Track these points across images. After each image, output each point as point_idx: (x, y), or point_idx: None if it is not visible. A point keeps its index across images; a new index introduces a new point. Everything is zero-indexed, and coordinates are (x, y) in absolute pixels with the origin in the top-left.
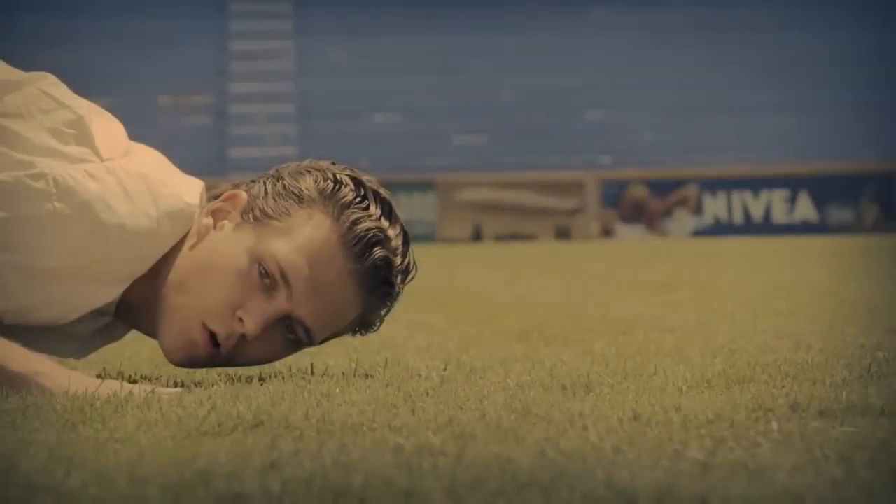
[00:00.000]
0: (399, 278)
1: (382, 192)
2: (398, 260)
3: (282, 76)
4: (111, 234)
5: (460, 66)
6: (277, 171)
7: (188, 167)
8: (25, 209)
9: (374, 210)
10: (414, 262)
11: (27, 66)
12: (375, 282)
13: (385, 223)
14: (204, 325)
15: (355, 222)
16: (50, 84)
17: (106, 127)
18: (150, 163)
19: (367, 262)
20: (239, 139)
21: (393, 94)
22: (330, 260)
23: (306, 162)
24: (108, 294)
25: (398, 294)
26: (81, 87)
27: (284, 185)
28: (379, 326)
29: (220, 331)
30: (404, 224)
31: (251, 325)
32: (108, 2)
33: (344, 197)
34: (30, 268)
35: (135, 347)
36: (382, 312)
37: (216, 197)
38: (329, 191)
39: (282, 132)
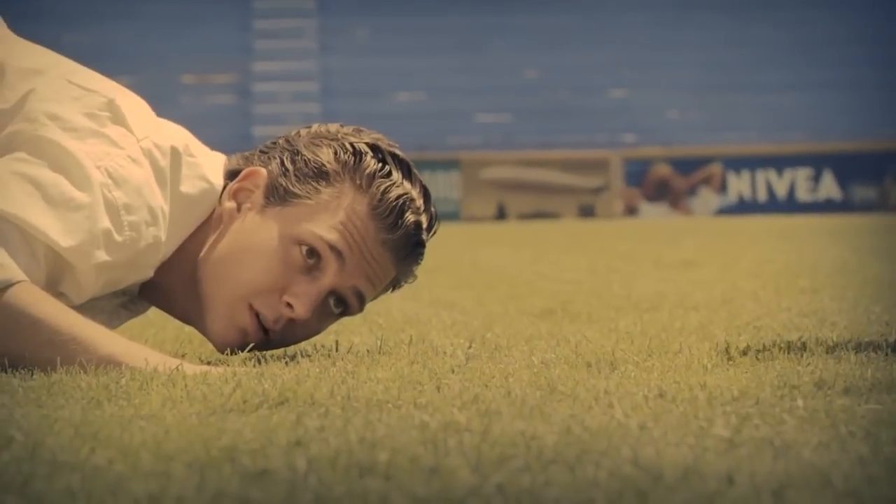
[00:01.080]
0: (426, 235)
1: (398, 151)
2: (424, 219)
3: (305, 54)
4: (159, 218)
5: (483, 45)
6: (289, 142)
7: (212, 146)
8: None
9: (397, 175)
10: (436, 214)
11: (50, 45)
12: (409, 247)
13: (408, 185)
14: (251, 310)
15: (384, 192)
16: (70, 71)
17: (134, 105)
18: (178, 137)
19: (401, 230)
20: (262, 118)
21: (416, 72)
22: (366, 231)
23: (315, 128)
24: (144, 275)
25: (425, 246)
26: (104, 66)
27: (305, 161)
28: (413, 281)
29: (268, 314)
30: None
31: (301, 309)
32: None
33: (367, 167)
34: (101, 262)
35: (159, 325)
36: (415, 269)
37: (232, 175)
38: (352, 164)
39: (305, 111)
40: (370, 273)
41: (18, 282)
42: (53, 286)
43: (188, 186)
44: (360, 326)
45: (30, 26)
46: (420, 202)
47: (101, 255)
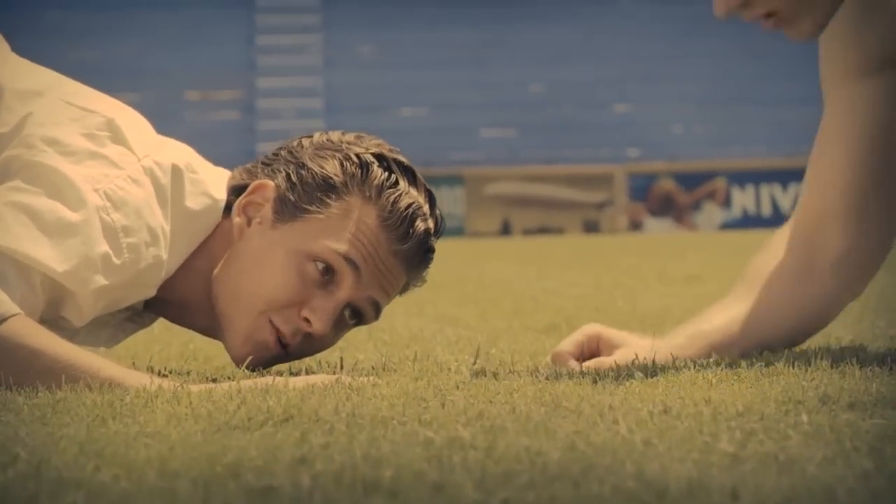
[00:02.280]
0: (433, 239)
1: (402, 158)
2: (432, 223)
3: (310, 71)
4: (159, 238)
5: (487, 60)
6: (293, 154)
7: (216, 162)
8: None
9: (404, 184)
10: (441, 216)
11: (55, 62)
12: (420, 255)
13: (415, 193)
14: (272, 325)
15: (394, 203)
16: (69, 92)
17: (135, 123)
18: (180, 154)
19: (412, 240)
20: (267, 134)
21: (420, 88)
22: (377, 242)
23: (317, 137)
24: (146, 294)
25: (434, 249)
26: (109, 83)
27: (312, 174)
28: (422, 285)
29: (285, 329)
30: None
31: (319, 324)
32: None
33: (375, 178)
34: (100, 287)
35: (164, 341)
36: (424, 273)
37: (236, 190)
38: (360, 175)
39: (310, 127)
40: (384, 283)
41: (13, 315)
42: (54, 311)
43: (191, 203)
44: (365, 343)
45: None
46: (427, 208)
47: (100, 280)
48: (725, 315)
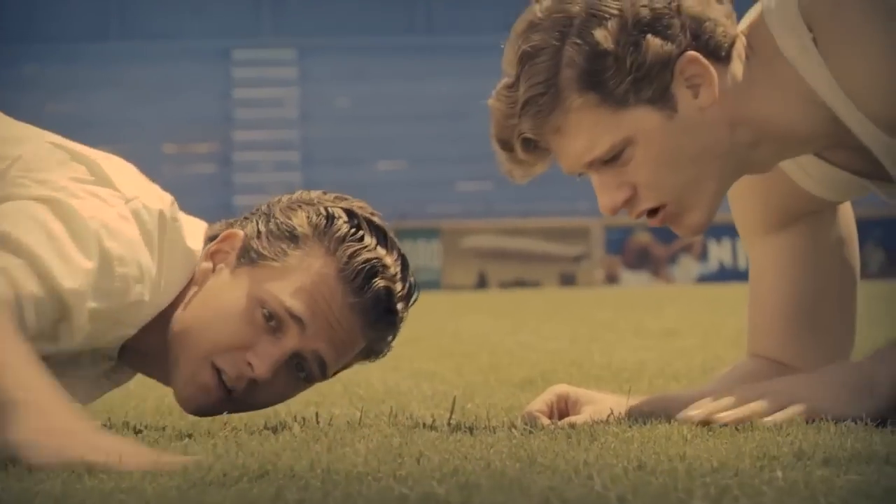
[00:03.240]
0: (401, 304)
1: (376, 219)
2: (398, 286)
3: (286, 124)
4: (146, 278)
5: (464, 113)
6: (269, 206)
7: (193, 215)
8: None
9: (370, 240)
10: (415, 285)
11: (32, 115)
12: (378, 312)
13: (381, 251)
14: (213, 368)
15: (352, 256)
16: (55, 138)
17: (121, 168)
18: (166, 198)
19: (368, 294)
20: (244, 187)
21: (397, 141)
22: (332, 296)
23: (297, 194)
24: (125, 332)
25: (403, 318)
26: (86, 136)
27: (278, 224)
28: (388, 352)
29: (229, 371)
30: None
31: (261, 368)
32: (111, 50)
33: (338, 231)
34: (90, 309)
35: (140, 396)
36: (390, 339)
37: (213, 238)
38: (322, 226)
39: (286, 180)
40: (334, 338)
41: None
42: (49, 326)
43: (173, 252)
44: (341, 398)
45: (12, 97)
46: (395, 270)
47: (90, 302)
48: (693, 389)
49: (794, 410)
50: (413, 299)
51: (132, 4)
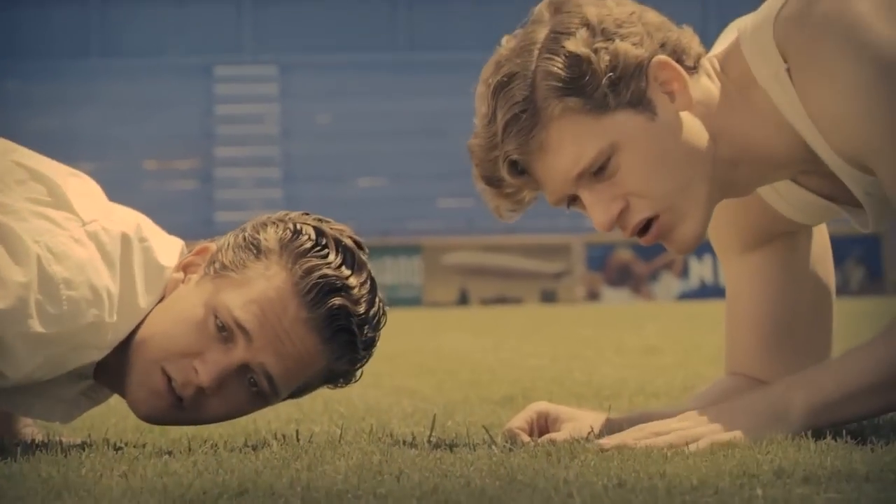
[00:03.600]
0: (365, 327)
1: (346, 240)
2: (360, 308)
3: (267, 140)
4: (102, 298)
5: (445, 130)
6: (245, 223)
7: (174, 231)
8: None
9: (333, 258)
10: (384, 311)
11: (14, 131)
12: (334, 330)
13: (345, 272)
14: (163, 372)
15: (309, 270)
16: (22, 155)
17: (84, 190)
18: (131, 222)
19: (321, 309)
20: (225, 203)
21: (378, 157)
22: (284, 309)
23: (278, 214)
24: (92, 356)
25: (369, 342)
26: (67, 153)
27: (244, 238)
28: (358, 377)
29: (177, 377)
30: (373, 274)
31: (205, 376)
32: (93, 66)
33: (301, 246)
34: (35, 334)
35: (121, 413)
36: (353, 362)
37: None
38: (287, 240)
39: (267, 196)
40: (283, 352)
41: None
42: None
43: (140, 270)
44: (321, 415)
45: None
46: (359, 291)
47: (35, 326)
48: (672, 406)
49: (706, 441)
50: (381, 324)
51: (114, 21)
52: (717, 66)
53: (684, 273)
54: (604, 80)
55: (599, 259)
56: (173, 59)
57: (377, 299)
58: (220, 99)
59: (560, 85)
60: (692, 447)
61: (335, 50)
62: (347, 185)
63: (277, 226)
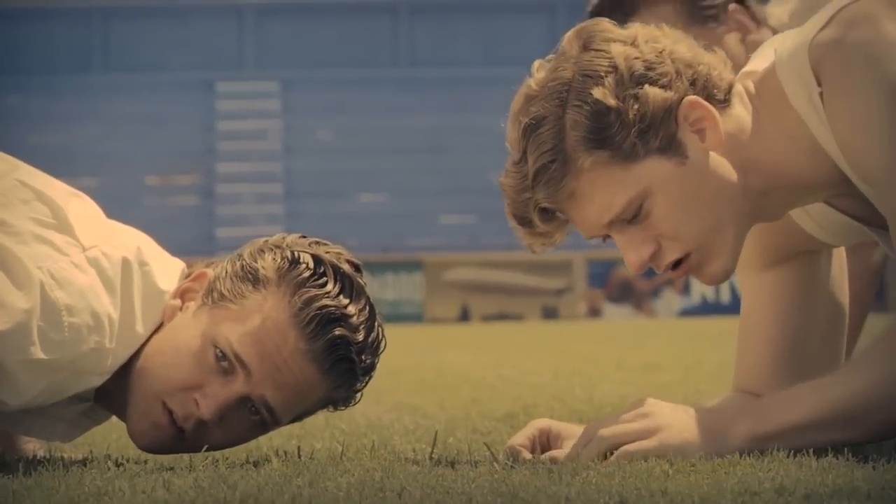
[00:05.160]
0: (364, 355)
1: (344, 265)
2: (359, 336)
3: (269, 156)
4: (104, 325)
5: (447, 146)
6: (243, 248)
7: (176, 247)
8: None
9: (332, 287)
10: (383, 336)
11: (15, 146)
12: (333, 360)
13: (344, 300)
14: (164, 406)
15: (308, 301)
16: (25, 173)
17: (85, 212)
18: (132, 245)
19: (321, 341)
20: (226, 219)
21: (379, 173)
22: (283, 341)
23: (274, 238)
24: (92, 382)
25: (368, 368)
26: (68, 168)
27: (242, 266)
28: (357, 401)
29: (178, 411)
30: (372, 300)
31: (206, 409)
32: (95, 82)
33: (299, 275)
34: (37, 361)
35: (123, 429)
36: (352, 388)
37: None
38: (285, 269)
39: (269, 212)
40: (283, 383)
41: None
42: None
43: (139, 296)
44: (323, 431)
45: None
46: (358, 319)
47: (37, 352)
48: None
49: (655, 442)
50: (380, 349)
51: (116, 36)
52: (751, 88)
53: (686, 290)
54: (633, 131)
55: (601, 276)
56: (175, 75)
57: (376, 324)
58: (222, 115)
59: (589, 137)
60: (644, 444)
61: (337, 66)
62: (349, 201)
63: (275, 253)
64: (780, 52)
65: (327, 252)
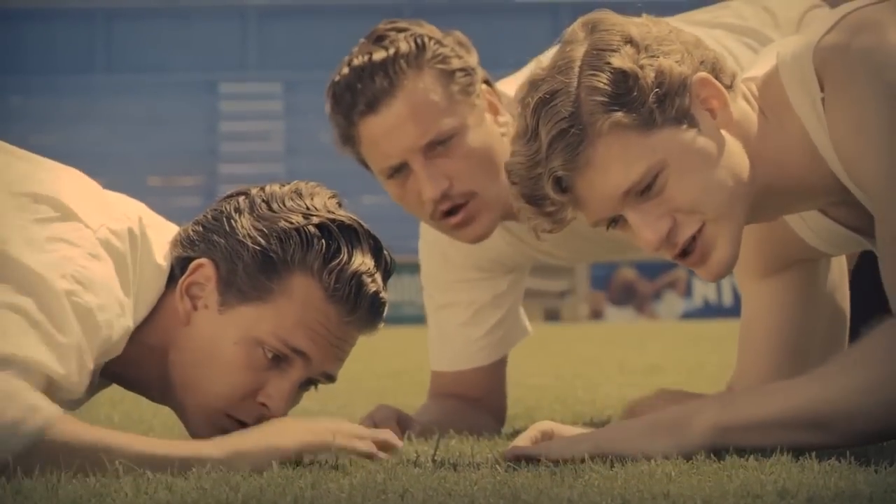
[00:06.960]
0: (384, 287)
1: (342, 216)
2: (380, 278)
3: (272, 157)
4: (126, 308)
5: None
6: (231, 225)
7: None
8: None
9: (346, 250)
10: (391, 259)
11: (17, 146)
12: (373, 315)
13: (359, 257)
14: (231, 417)
15: (338, 277)
16: (14, 180)
17: (80, 190)
18: (132, 214)
19: (362, 308)
20: None
21: None
22: (326, 318)
23: (255, 200)
24: (113, 355)
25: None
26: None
27: (252, 254)
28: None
29: (248, 418)
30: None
31: (276, 408)
32: (97, 82)
33: (318, 255)
34: (87, 369)
35: (123, 429)
36: (382, 315)
37: (180, 262)
38: (300, 252)
39: None
40: (339, 354)
41: (56, 416)
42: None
43: (143, 270)
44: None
45: None
46: (375, 265)
47: (90, 362)
48: None
49: (582, 446)
50: (391, 271)
51: (118, 37)
52: (754, 90)
53: (688, 292)
54: (650, 96)
55: (603, 278)
56: (177, 76)
57: (383, 255)
58: (225, 116)
59: (607, 100)
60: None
61: None
62: (351, 202)
63: (274, 232)
64: (782, 55)
65: (317, 209)
